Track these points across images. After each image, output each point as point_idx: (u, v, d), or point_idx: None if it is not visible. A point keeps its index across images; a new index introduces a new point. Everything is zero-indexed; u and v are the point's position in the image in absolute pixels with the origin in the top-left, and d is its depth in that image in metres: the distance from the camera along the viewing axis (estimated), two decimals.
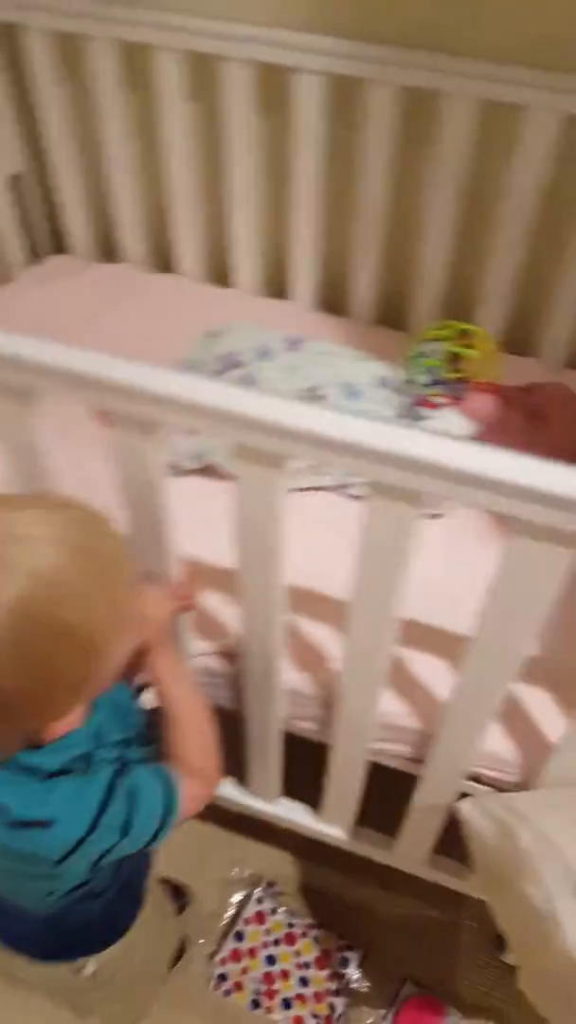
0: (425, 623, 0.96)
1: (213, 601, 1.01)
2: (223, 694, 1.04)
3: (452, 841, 0.97)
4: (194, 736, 0.79)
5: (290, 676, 0.97)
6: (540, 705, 0.93)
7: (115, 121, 1.50)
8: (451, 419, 1.12)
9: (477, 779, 0.94)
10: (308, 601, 1.00)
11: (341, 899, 1.33)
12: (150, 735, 0.80)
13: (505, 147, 1.28)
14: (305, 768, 1.08)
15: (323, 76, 1.30)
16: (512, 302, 1.43)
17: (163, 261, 1.70)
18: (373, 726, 0.92)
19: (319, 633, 1.00)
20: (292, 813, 1.19)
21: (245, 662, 0.92)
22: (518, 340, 1.48)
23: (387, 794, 1.03)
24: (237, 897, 1.34)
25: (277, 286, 1.64)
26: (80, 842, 0.66)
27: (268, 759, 1.08)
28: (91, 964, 0.92)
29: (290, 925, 1.30)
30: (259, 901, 1.32)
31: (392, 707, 0.94)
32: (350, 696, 0.89)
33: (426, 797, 0.98)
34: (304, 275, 1.55)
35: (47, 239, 1.77)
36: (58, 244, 1.78)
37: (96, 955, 0.91)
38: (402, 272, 1.49)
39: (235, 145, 1.43)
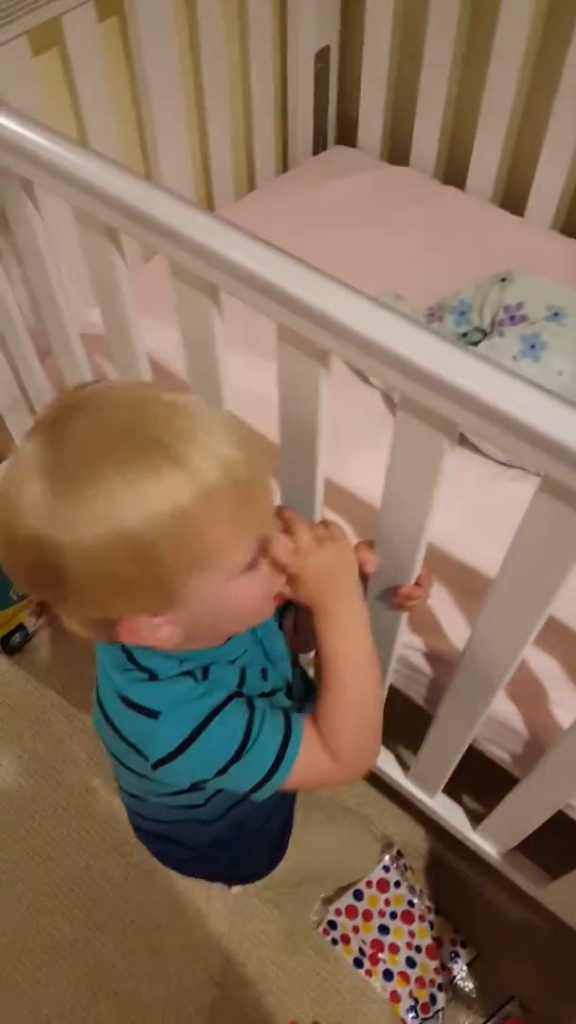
0: None
1: (442, 594, 0.89)
2: (417, 691, 0.93)
3: None
4: (338, 714, 0.66)
5: (503, 707, 0.84)
6: None
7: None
8: None
9: None
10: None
11: (468, 892, 1.25)
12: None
13: None
14: (481, 774, 0.97)
15: None
16: None
17: (454, 171, 1.48)
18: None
19: (549, 667, 0.85)
20: (449, 814, 1.09)
21: (458, 680, 0.80)
22: None
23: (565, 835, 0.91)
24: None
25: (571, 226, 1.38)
26: (178, 752, 0.60)
27: (443, 762, 0.98)
28: (236, 888, 0.91)
29: (410, 903, 1.23)
30: (385, 869, 1.26)
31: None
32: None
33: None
34: None
35: (335, 127, 1.60)
36: (345, 135, 1.59)
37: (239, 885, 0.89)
38: None
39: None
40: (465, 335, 1.09)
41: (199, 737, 0.60)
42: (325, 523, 0.67)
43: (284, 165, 1.59)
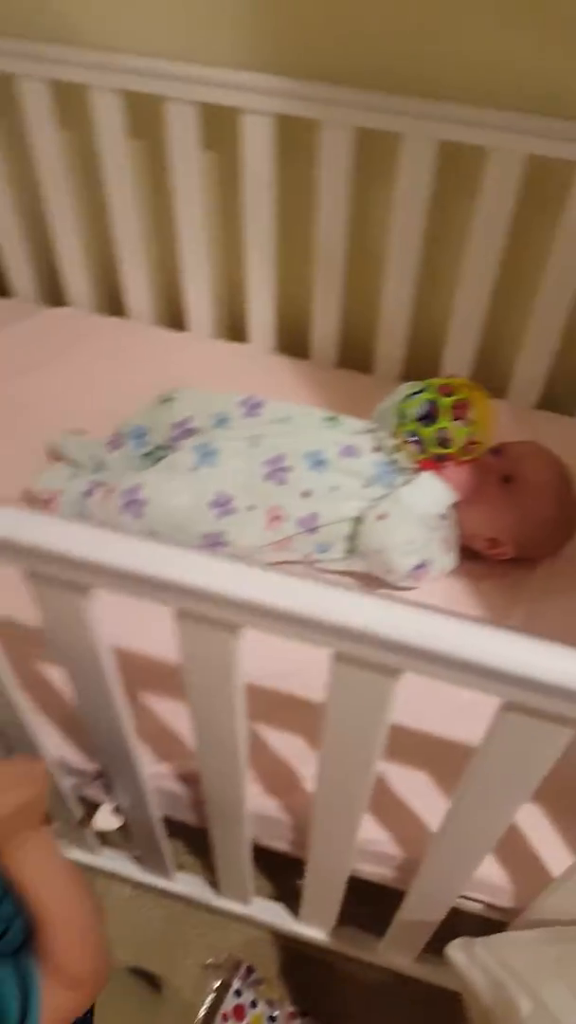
0: (411, 728, 0.85)
1: (168, 713, 0.89)
2: (187, 814, 0.92)
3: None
4: (66, 943, 0.65)
5: (258, 802, 0.85)
6: (538, 825, 0.82)
7: (53, 161, 1.34)
8: (429, 486, 1.00)
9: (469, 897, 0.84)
10: (278, 706, 0.89)
11: (325, 980, 1.22)
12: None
13: (467, 187, 1.16)
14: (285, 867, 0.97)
15: (271, 117, 1.16)
16: (478, 342, 1.31)
17: (113, 304, 1.55)
18: (352, 853, 0.81)
19: (290, 747, 0.88)
20: (267, 914, 1.08)
21: (206, 791, 0.80)
22: (484, 381, 1.37)
23: (372, 895, 0.93)
24: (214, 984, 1.23)
25: (234, 329, 1.51)
26: None
27: (238, 870, 0.97)
28: None
29: (271, 1019, 1.18)
30: (237, 993, 1.20)
31: (373, 834, 0.82)
32: (323, 827, 0.77)
33: (411, 915, 0.87)
34: (262, 317, 1.41)
35: None
36: (1, 287, 1.62)
37: None
38: (364, 314, 1.36)
39: (183, 185, 1.29)
40: (149, 454, 1.14)
41: None
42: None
43: None
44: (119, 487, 1.03)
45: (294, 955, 1.24)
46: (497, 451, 1.06)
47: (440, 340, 1.33)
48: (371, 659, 0.53)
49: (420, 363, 1.37)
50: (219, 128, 1.23)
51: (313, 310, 1.36)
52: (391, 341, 1.34)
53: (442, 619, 0.50)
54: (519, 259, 1.23)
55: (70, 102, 1.27)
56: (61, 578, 0.58)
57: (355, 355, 1.41)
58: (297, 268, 1.35)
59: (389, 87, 1.10)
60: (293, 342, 1.44)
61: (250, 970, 1.22)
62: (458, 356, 1.32)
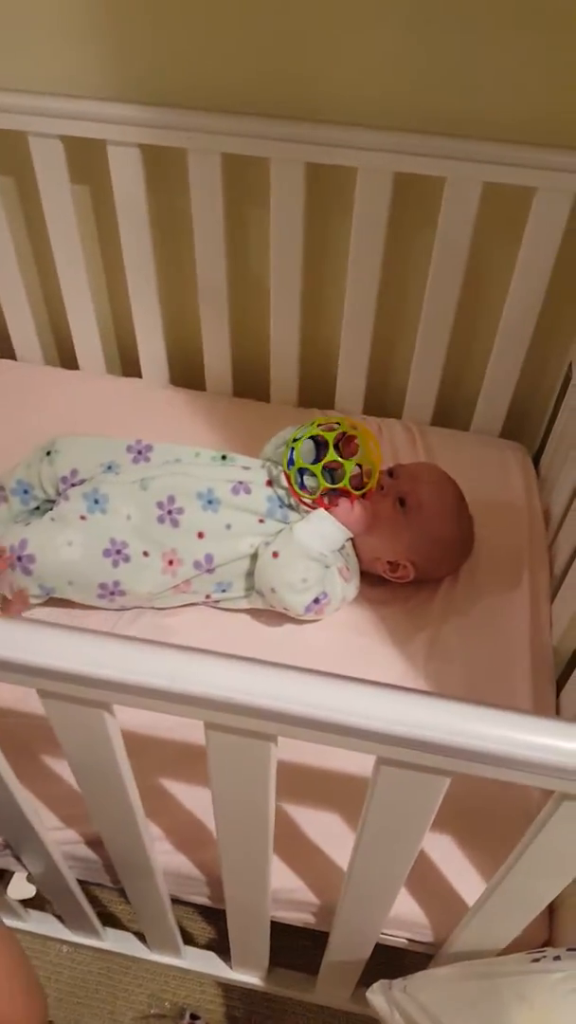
0: (321, 768, 0.83)
1: (68, 775, 0.85)
2: (101, 876, 0.88)
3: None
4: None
5: (168, 859, 0.81)
6: (450, 858, 0.81)
7: None
8: (322, 524, 0.97)
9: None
10: (181, 757, 0.85)
11: (272, 1019, 1.19)
12: None
13: (340, 207, 1.15)
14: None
15: (136, 147, 1.13)
16: (367, 365, 1.29)
17: (4, 345, 1.50)
18: (267, 903, 0.78)
19: (196, 801, 0.84)
20: (201, 964, 1.04)
21: (111, 854, 0.76)
22: (378, 402, 1.37)
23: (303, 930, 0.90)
24: None
25: (127, 364, 1.47)
26: None
27: (162, 926, 0.93)
28: None
29: None
30: None
31: (287, 882, 0.80)
32: (234, 884, 0.74)
33: (337, 955, 0.85)
34: (152, 351, 1.38)
35: None
36: None
37: None
38: (255, 343, 1.34)
39: (56, 221, 1.24)
40: (37, 509, 1.09)
41: None
42: None
43: None
44: (3, 543, 0.98)
45: (237, 998, 1.21)
46: (390, 472, 1.05)
47: (332, 364, 1.32)
48: (243, 727, 0.50)
49: (315, 388, 1.37)
50: (88, 160, 1.19)
51: (203, 341, 1.34)
52: (284, 368, 1.32)
53: (310, 681, 0.48)
54: (400, 279, 1.23)
55: None
56: None
57: (250, 384, 1.39)
58: (182, 299, 1.33)
59: (255, 110, 1.09)
60: (188, 374, 1.41)
61: (194, 1016, 1.18)
62: (351, 379, 1.31)
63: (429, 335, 1.22)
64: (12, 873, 0.91)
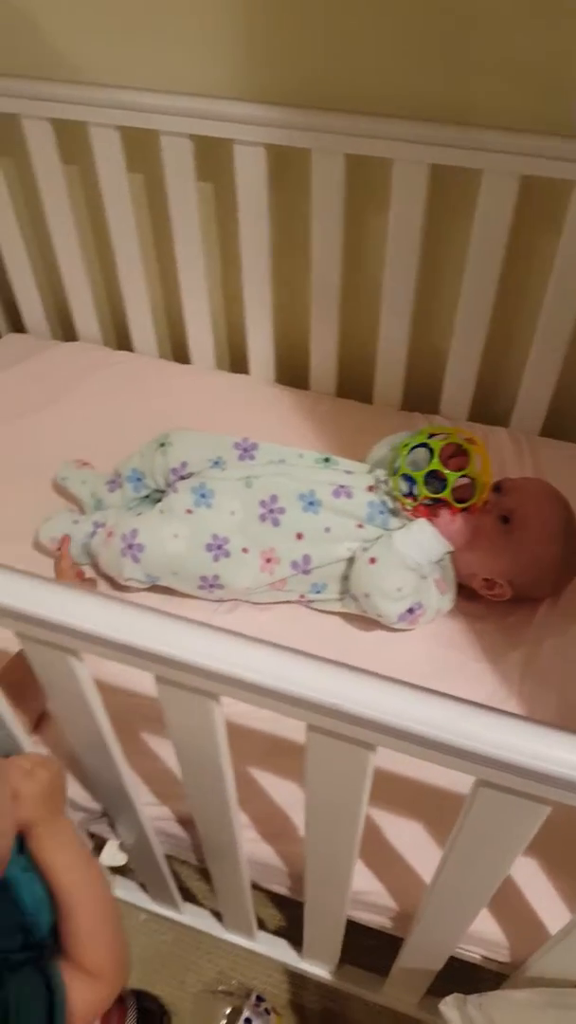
0: (410, 778, 0.83)
1: (168, 755, 0.89)
2: (188, 855, 0.91)
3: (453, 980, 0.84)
4: (88, 930, 0.66)
5: (253, 847, 0.84)
6: (536, 883, 0.80)
7: (57, 199, 1.34)
8: (422, 535, 0.97)
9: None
10: (273, 750, 0.87)
11: (338, 1012, 1.21)
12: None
13: (462, 210, 1.14)
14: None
15: (263, 147, 1.15)
16: (476, 370, 1.28)
17: (121, 338, 1.56)
18: (346, 903, 0.80)
19: (284, 794, 0.86)
20: (272, 950, 1.07)
21: (201, 835, 0.80)
22: (486, 408, 1.35)
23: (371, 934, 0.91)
24: (225, 1011, 1.22)
25: (235, 361, 1.50)
26: None
27: (240, 909, 0.96)
28: None
29: None
30: (247, 1022, 1.19)
31: (368, 885, 0.81)
32: (316, 878, 0.76)
33: (409, 962, 0.85)
34: (261, 349, 1.40)
35: (2, 319, 1.63)
36: (14, 323, 1.64)
37: None
38: (362, 344, 1.34)
39: (180, 219, 1.28)
40: (147, 497, 1.14)
41: None
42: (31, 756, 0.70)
43: None
44: (117, 530, 1.03)
45: (303, 987, 1.23)
46: (497, 487, 1.03)
47: (440, 368, 1.31)
48: (344, 733, 0.51)
49: (420, 392, 1.36)
50: (214, 159, 1.22)
51: (311, 341, 1.35)
52: (390, 371, 1.32)
53: (415, 697, 0.49)
54: (518, 283, 1.21)
55: (73, 138, 1.27)
56: (52, 641, 0.58)
57: (354, 385, 1.40)
58: (294, 298, 1.34)
59: (379, 111, 1.08)
60: (293, 373, 1.43)
61: (260, 999, 1.21)
62: (459, 383, 1.30)
63: (546, 341, 1.19)
64: (106, 841, 0.97)
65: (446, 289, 1.25)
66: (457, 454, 1.00)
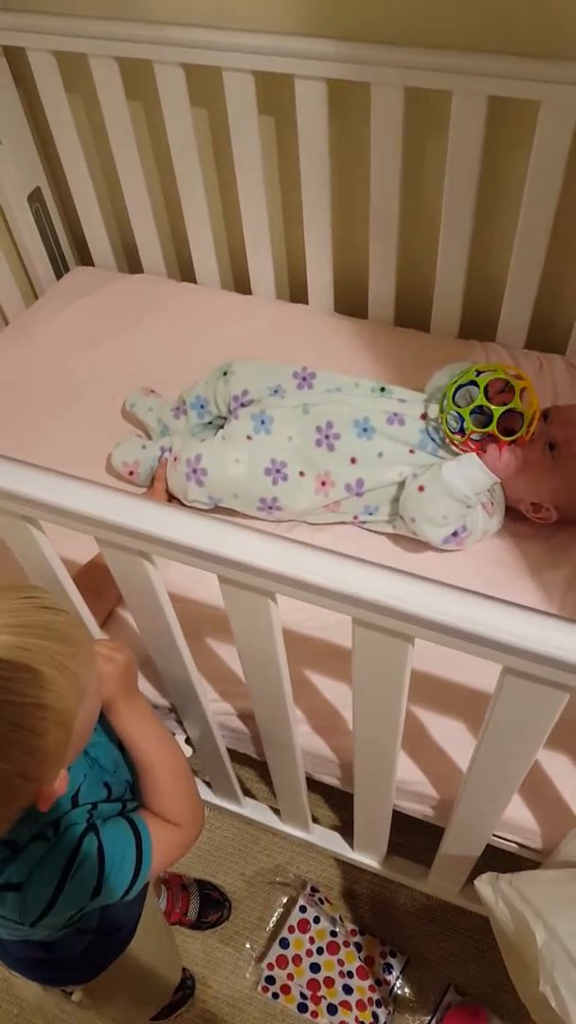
0: (440, 677, 0.90)
1: (230, 656, 0.98)
2: (248, 747, 1.01)
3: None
4: (166, 785, 0.77)
5: (307, 740, 0.93)
6: (567, 772, 0.87)
7: (123, 134, 1.39)
8: (470, 468, 1.00)
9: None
10: (326, 654, 0.96)
11: (384, 903, 1.33)
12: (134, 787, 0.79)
13: (519, 141, 1.13)
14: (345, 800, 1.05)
15: (323, 81, 1.16)
16: (534, 298, 1.28)
17: (184, 270, 1.61)
18: (392, 792, 0.88)
19: (335, 693, 0.95)
20: (326, 842, 1.17)
21: (260, 728, 0.89)
22: (542, 336, 1.35)
23: (422, 826, 1.00)
24: (282, 900, 1.35)
25: (295, 291, 1.54)
26: (48, 908, 0.66)
27: (296, 800, 1.06)
28: (77, 993, 0.94)
29: (333, 934, 1.30)
30: (302, 910, 1.32)
31: (412, 775, 0.89)
32: (364, 769, 0.84)
33: (451, 849, 0.94)
34: (320, 279, 1.43)
35: (72, 252, 1.70)
36: (83, 255, 1.70)
37: (82, 985, 0.92)
38: (420, 273, 1.36)
39: (242, 153, 1.31)
40: (210, 423, 1.21)
41: (63, 888, 0.66)
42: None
43: (34, 294, 1.68)
44: (182, 455, 1.10)
45: (354, 879, 1.35)
46: (544, 414, 1.06)
47: (497, 296, 1.32)
48: (385, 626, 0.58)
49: (477, 320, 1.37)
50: (276, 94, 1.24)
51: (370, 270, 1.37)
52: (447, 299, 1.34)
53: (447, 593, 0.55)
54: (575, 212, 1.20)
55: (139, 75, 1.30)
56: (125, 545, 0.66)
57: (413, 314, 1.42)
58: (354, 230, 1.36)
59: (437, 43, 1.08)
60: (352, 302, 1.46)
61: (314, 890, 1.34)
62: (516, 311, 1.31)
63: None
64: (173, 735, 1.08)
65: (504, 218, 1.25)
66: (505, 390, 1.03)
